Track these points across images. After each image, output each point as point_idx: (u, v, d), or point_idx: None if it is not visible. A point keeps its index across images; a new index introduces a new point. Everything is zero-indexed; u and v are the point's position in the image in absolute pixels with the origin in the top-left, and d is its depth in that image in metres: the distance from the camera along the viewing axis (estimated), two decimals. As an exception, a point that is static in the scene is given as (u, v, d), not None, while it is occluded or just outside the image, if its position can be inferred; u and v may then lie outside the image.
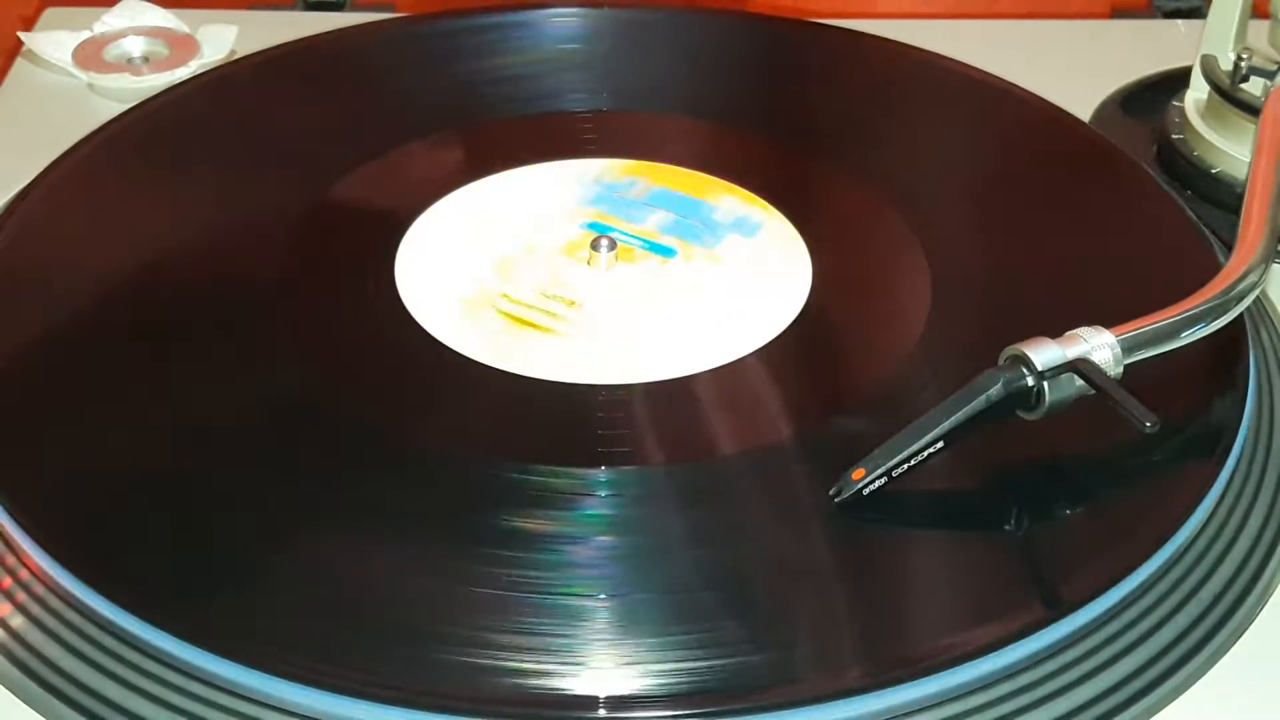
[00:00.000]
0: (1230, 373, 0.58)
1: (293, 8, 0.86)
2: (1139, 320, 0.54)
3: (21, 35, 0.80)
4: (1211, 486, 0.54)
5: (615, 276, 0.63)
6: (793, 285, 0.63)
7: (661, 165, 0.69)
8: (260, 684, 0.47)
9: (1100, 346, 0.53)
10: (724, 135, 0.72)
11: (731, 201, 0.67)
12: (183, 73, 0.77)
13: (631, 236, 0.65)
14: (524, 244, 0.65)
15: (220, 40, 0.80)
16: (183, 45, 0.79)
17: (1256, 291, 0.57)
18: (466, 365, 0.58)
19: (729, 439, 0.56)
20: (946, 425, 0.52)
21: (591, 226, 0.66)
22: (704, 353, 0.59)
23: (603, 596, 0.50)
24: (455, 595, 0.50)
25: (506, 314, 0.61)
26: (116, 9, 0.81)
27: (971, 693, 0.48)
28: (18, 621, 0.51)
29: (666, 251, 0.64)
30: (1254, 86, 0.71)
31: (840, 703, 0.47)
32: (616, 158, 0.70)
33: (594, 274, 0.63)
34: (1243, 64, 0.71)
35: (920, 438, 0.52)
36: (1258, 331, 0.62)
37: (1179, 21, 0.86)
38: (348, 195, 0.67)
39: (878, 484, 0.52)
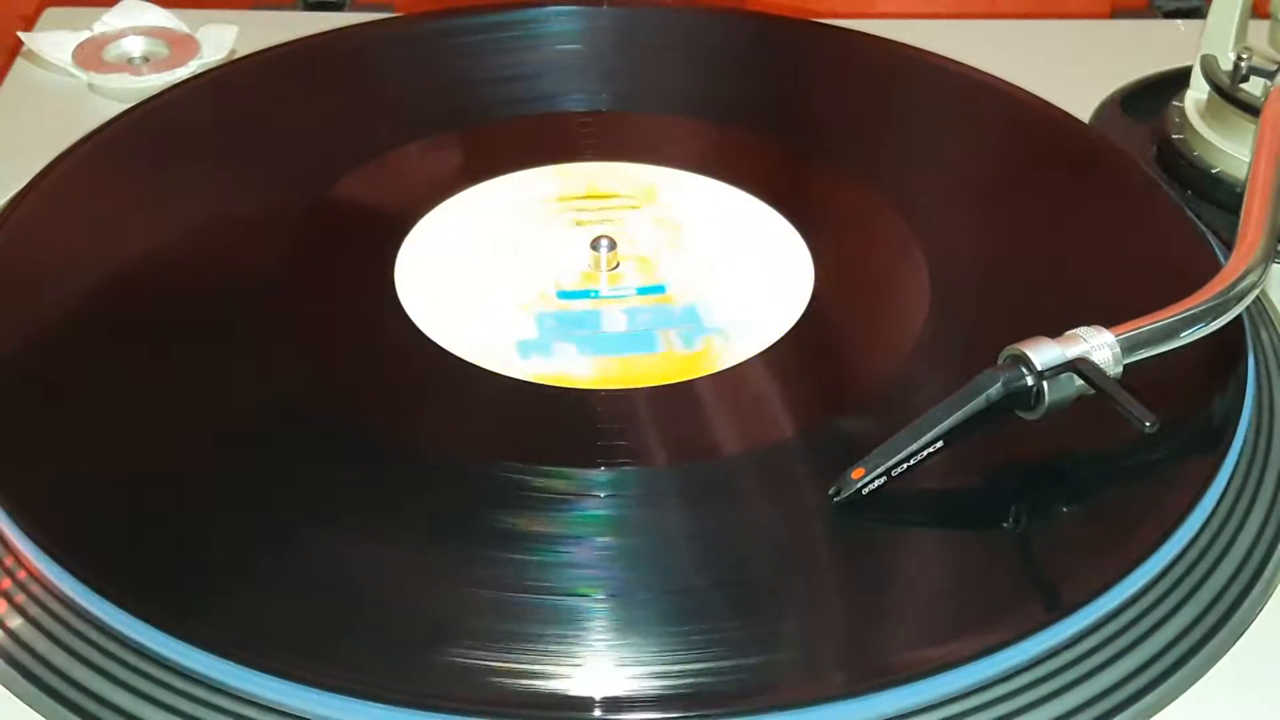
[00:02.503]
0: (1230, 373, 0.58)
1: (293, 8, 0.86)
2: (1138, 320, 0.54)
3: (21, 35, 0.80)
4: (1211, 486, 0.54)
5: (616, 275, 0.64)
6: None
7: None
8: (259, 685, 0.47)
9: (1100, 346, 0.53)
10: (724, 135, 0.72)
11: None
12: (183, 73, 0.77)
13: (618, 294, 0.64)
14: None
15: (220, 40, 0.80)
16: (183, 45, 0.79)
17: (1256, 291, 0.57)
18: (466, 366, 0.58)
19: (728, 439, 0.56)
20: (946, 425, 0.52)
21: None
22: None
23: (602, 596, 0.50)
24: (455, 595, 0.50)
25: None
26: (116, 9, 0.81)
27: (972, 693, 0.48)
28: (16, 623, 0.51)
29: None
30: (1254, 86, 0.71)
31: (839, 704, 0.47)
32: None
33: (594, 274, 0.63)
34: (1243, 64, 0.71)
35: (920, 437, 0.52)
36: (1257, 331, 0.62)
37: (1179, 21, 0.86)
38: (347, 195, 0.67)
39: (877, 483, 0.52)
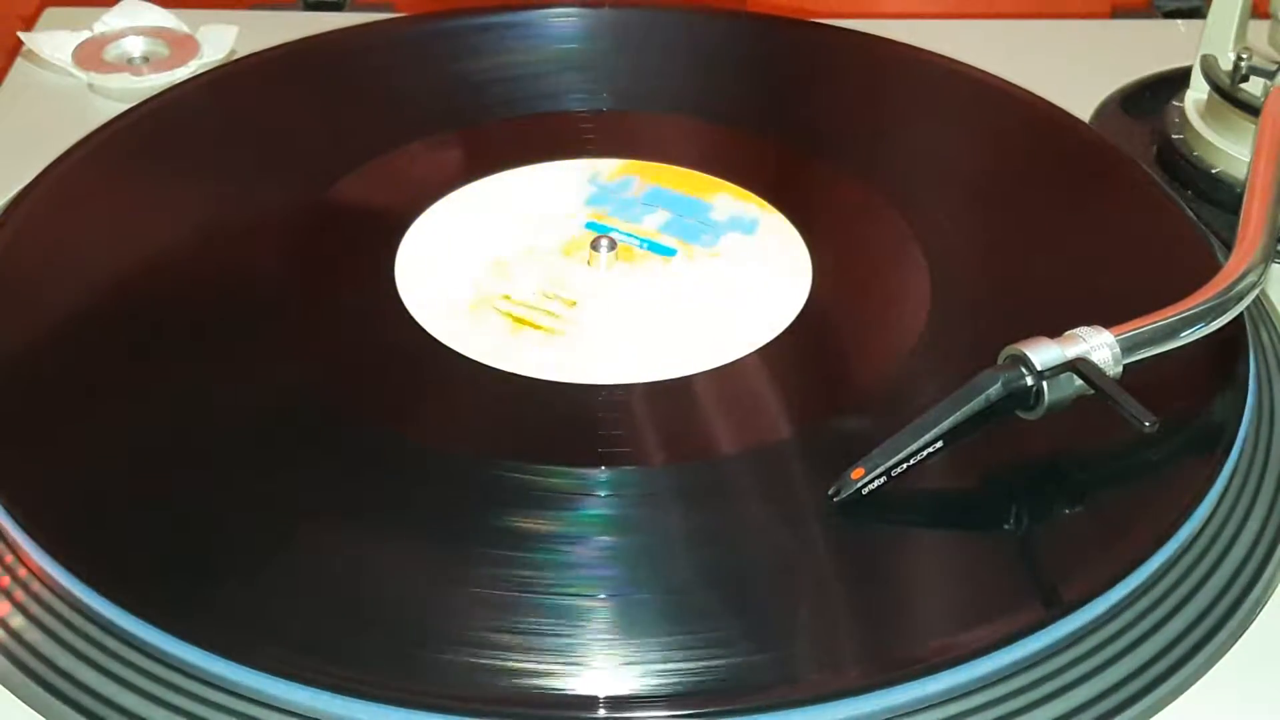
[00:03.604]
0: (1230, 373, 0.58)
1: (293, 8, 0.86)
2: (1138, 320, 0.54)
3: (21, 35, 0.80)
4: (1211, 486, 0.54)
5: (615, 276, 0.64)
6: (792, 285, 0.63)
7: (656, 164, 0.69)
8: (260, 684, 0.47)
9: (1099, 346, 0.53)
10: (724, 135, 0.72)
11: (727, 199, 0.67)
12: (183, 73, 0.77)
13: (631, 236, 0.65)
14: (524, 245, 0.65)
15: (220, 40, 0.80)
16: (183, 45, 0.79)
17: (1256, 291, 0.57)
18: (466, 365, 0.58)
19: (728, 439, 0.56)
20: (946, 425, 0.52)
21: (590, 226, 0.66)
22: (704, 353, 0.59)
23: (603, 596, 0.50)
24: (455, 595, 0.50)
25: (507, 314, 0.61)
26: (116, 9, 0.81)
27: (971, 692, 0.48)
28: (17, 621, 0.51)
29: (667, 251, 0.64)
30: (1254, 86, 0.71)
31: (840, 703, 0.47)
32: (616, 158, 0.70)
33: (594, 274, 0.63)
34: (1243, 64, 0.71)
35: (919, 437, 0.52)
36: (1257, 331, 0.62)
37: (1179, 21, 0.86)
38: (348, 195, 0.67)
39: (877, 483, 0.52)
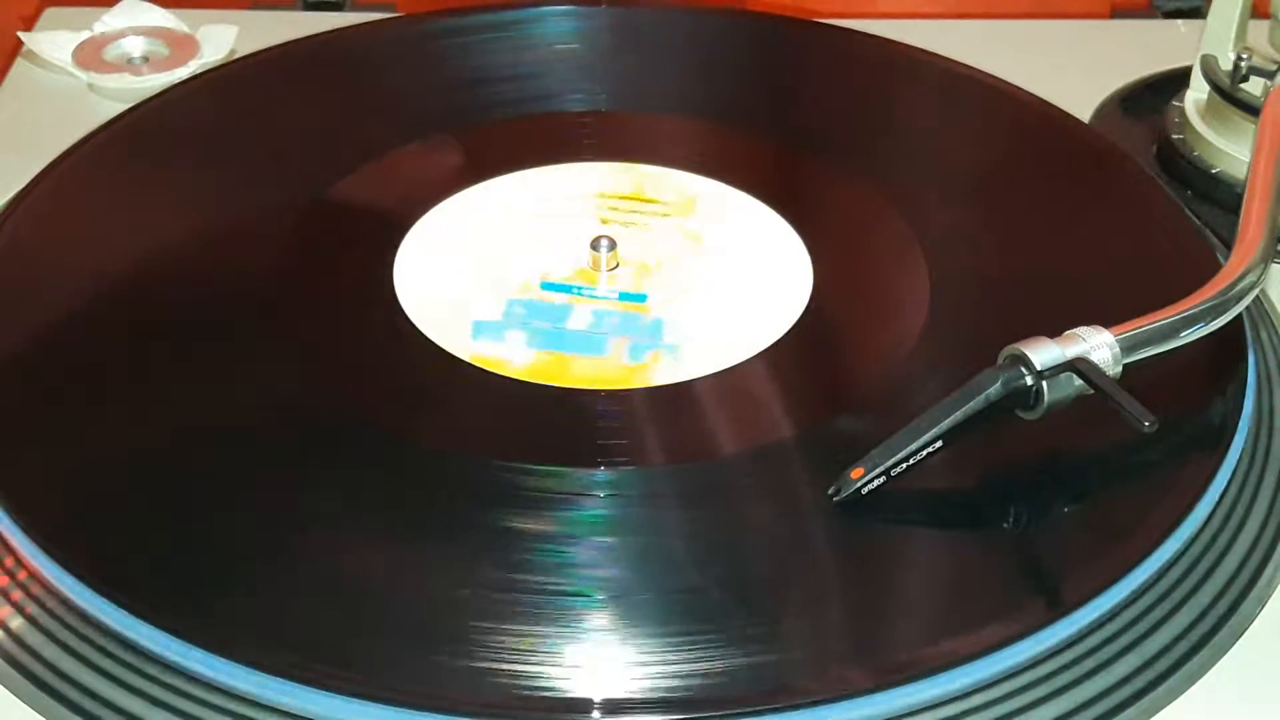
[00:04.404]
0: (1230, 372, 0.58)
1: (293, 8, 0.86)
2: (1138, 320, 0.54)
3: (21, 35, 0.80)
4: (1211, 486, 0.54)
5: (615, 276, 0.64)
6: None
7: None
8: (259, 685, 0.47)
9: (1099, 346, 0.53)
10: (724, 135, 0.72)
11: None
12: (183, 73, 0.77)
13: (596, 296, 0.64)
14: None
15: (220, 40, 0.80)
16: (183, 45, 0.79)
17: (1256, 291, 0.57)
18: (466, 366, 0.58)
19: (728, 439, 0.56)
20: (945, 424, 0.52)
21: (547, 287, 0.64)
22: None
23: (603, 596, 0.50)
24: (455, 596, 0.50)
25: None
26: (116, 9, 0.81)
27: (972, 693, 0.48)
28: (17, 623, 0.51)
29: (638, 298, 0.64)
30: (1254, 86, 0.71)
31: (840, 704, 0.47)
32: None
33: (596, 274, 0.64)
34: (1243, 64, 0.71)
35: (919, 437, 0.52)
36: (1257, 331, 0.62)
37: (1179, 21, 0.86)
38: (347, 196, 0.67)
39: (876, 483, 0.52)
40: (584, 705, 0.47)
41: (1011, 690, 0.49)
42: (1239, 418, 0.57)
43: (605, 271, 0.64)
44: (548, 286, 0.63)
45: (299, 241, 0.64)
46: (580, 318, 0.62)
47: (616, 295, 0.63)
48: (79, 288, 0.61)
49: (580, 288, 0.63)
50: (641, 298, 0.63)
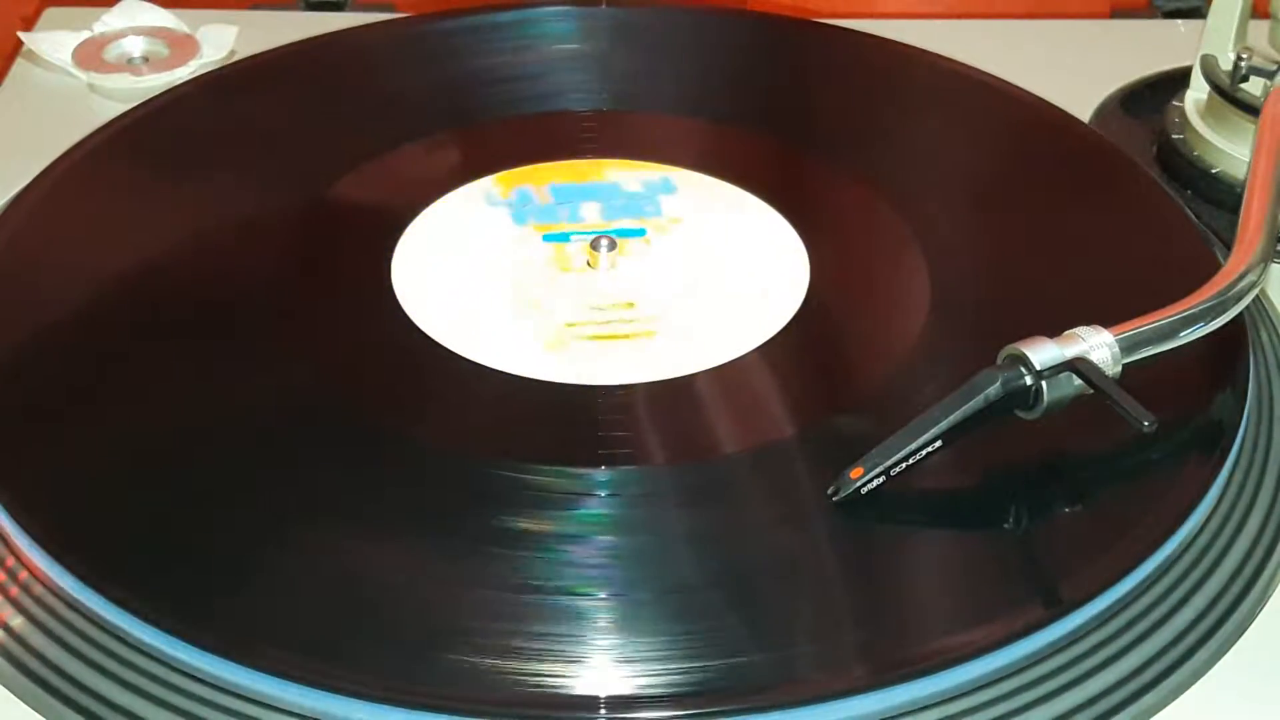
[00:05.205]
0: (1230, 372, 0.58)
1: (293, 8, 0.86)
2: (1138, 320, 0.54)
3: (21, 35, 0.80)
4: (1211, 486, 0.54)
5: (615, 276, 0.64)
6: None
7: (531, 167, 0.69)
8: (260, 684, 0.47)
9: (1099, 346, 0.53)
10: (724, 135, 0.72)
11: (622, 173, 0.67)
12: (183, 73, 0.77)
13: (594, 232, 0.65)
14: (517, 265, 0.65)
15: (220, 40, 0.80)
16: (183, 45, 0.79)
17: (1256, 291, 0.57)
18: (466, 365, 0.58)
19: (728, 438, 0.56)
20: (945, 424, 0.52)
21: (549, 239, 0.65)
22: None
23: (603, 596, 0.50)
24: (455, 595, 0.50)
25: (592, 337, 0.60)
26: (116, 9, 0.81)
27: (971, 691, 0.48)
28: (18, 622, 0.51)
29: (636, 233, 0.64)
30: (1254, 86, 0.71)
31: (840, 702, 0.47)
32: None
33: (596, 274, 0.64)
34: (1243, 64, 0.71)
35: (918, 436, 0.52)
36: (1257, 331, 0.62)
37: (1179, 21, 0.86)
38: (347, 195, 0.67)
39: (876, 483, 0.52)
40: (585, 704, 0.47)
41: (1011, 689, 0.49)
42: (1239, 418, 0.57)
43: (606, 271, 0.64)
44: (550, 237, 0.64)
45: (298, 241, 0.64)
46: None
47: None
48: (79, 288, 0.61)
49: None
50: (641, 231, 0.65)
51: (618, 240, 0.64)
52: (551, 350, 0.59)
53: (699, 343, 0.60)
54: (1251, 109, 0.69)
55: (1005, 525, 0.53)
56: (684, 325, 0.61)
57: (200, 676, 0.48)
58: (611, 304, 0.62)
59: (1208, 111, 0.73)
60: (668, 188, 0.66)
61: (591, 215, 0.66)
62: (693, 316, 0.62)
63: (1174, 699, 0.50)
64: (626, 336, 0.60)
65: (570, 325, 0.61)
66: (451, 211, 0.67)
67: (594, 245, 0.64)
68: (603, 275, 0.63)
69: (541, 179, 0.68)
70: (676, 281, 0.63)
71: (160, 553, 0.51)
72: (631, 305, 0.62)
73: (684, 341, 0.60)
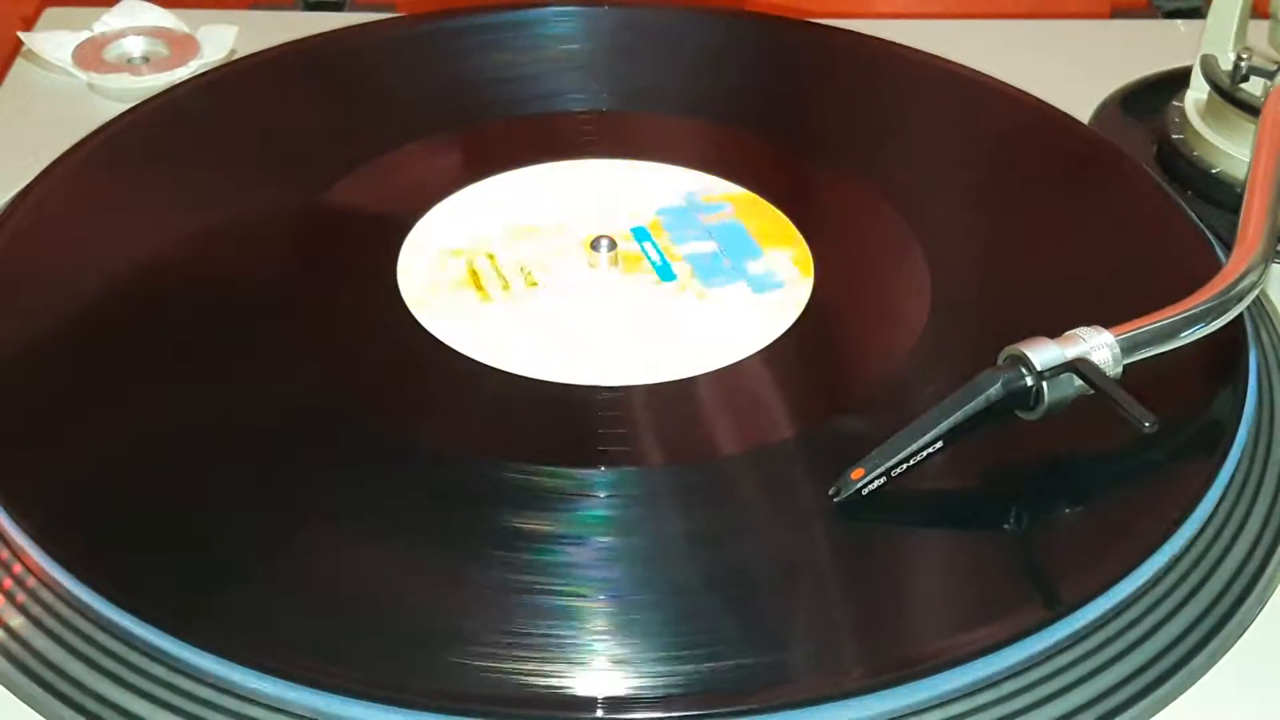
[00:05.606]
0: (1230, 373, 0.58)
1: (293, 8, 0.86)
2: (1138, 320, 0.54)
3: (21, 35, 0.80)
4: (1211, 487, 0.54)
5: (613, 278, 0.64)
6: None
7: (766, 204, 0.67)
8: (260, 684, 0.47)
9: (1099, 346, 0.53)
10: (724, 135, 0.72)
11: (780, 256, 0.64)
12: (183, 73, 0.77)
13: (655, 250, 0.64)
14: (556, 223, 0.65)
15: (220, 40, 0.80)
16: (183, 45, 0.79)
17: (1256, 291, 0.57)
18: (467, 365, 0.58)
19: (728, 439, 0.56)
20: (945, 425, 0.52)
21: (636, 232, 0.65)
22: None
23: (603, 597, 0.50)
24: (455, 595, 0.50)
25: (470, 268, 0.61)
26: (116, 9, 0.81)
27: (972, 693, 0.48)
28: (17, 621, 0.51)
29: (668, 276, 0.64)
30: (1254, 86, 0.71)
31: (840, 704, 0.47)
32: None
33: (593, 274, 0.64)
34: (1243, 64, 0.71)
35: (919, 437, 0.52)
36: (1258, 331, 0.62)
37: (1179, 21, 0.86)
38: (348, 196, 0.67)
39: (877, 484, 0.52)
40: (585, 704, 0.47)
41: (1012, 690, 0.49)
42: (1239, 418, 0.57)
43: (606, 270, 0.64)
44: (666, 276, 0.63)
45: (298, 241, 0.64)
46: (699, 247, 0.64)
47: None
48: (79, 287, 0.61)
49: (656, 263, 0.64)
50: (673, 277, 0.64)
51: (619, 246, 0.64)
52: (450, 254, 0.60)
53: (700, 342, 0.60)
54: (1251, 109, 0.69)
55: (1006, 526, 0.53)
56: (685, 324, 0.61)
57: (200, 676, 0.48)
58: (529, 272, 0.63)
59: (1208, 111, 0.73)
60: (761, 284, 0.63)
61: (688, 249, 0.65)
62: (693, 316, 0.62)
63: (1174, 699, 0.50)
64: (479, 288, 0.61)
65: (489, 255, 0.62)
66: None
67: (594, 245, 0.64)
68: (603, 275, 0.63)
69: (745, 213, 0.67)
70: (651, 300, 0.63)
71: (160, 553, 0.51)
72: (534, 285, 0.62)
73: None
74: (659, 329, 0.61)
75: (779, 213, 0.66)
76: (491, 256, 0.62)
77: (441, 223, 0.66)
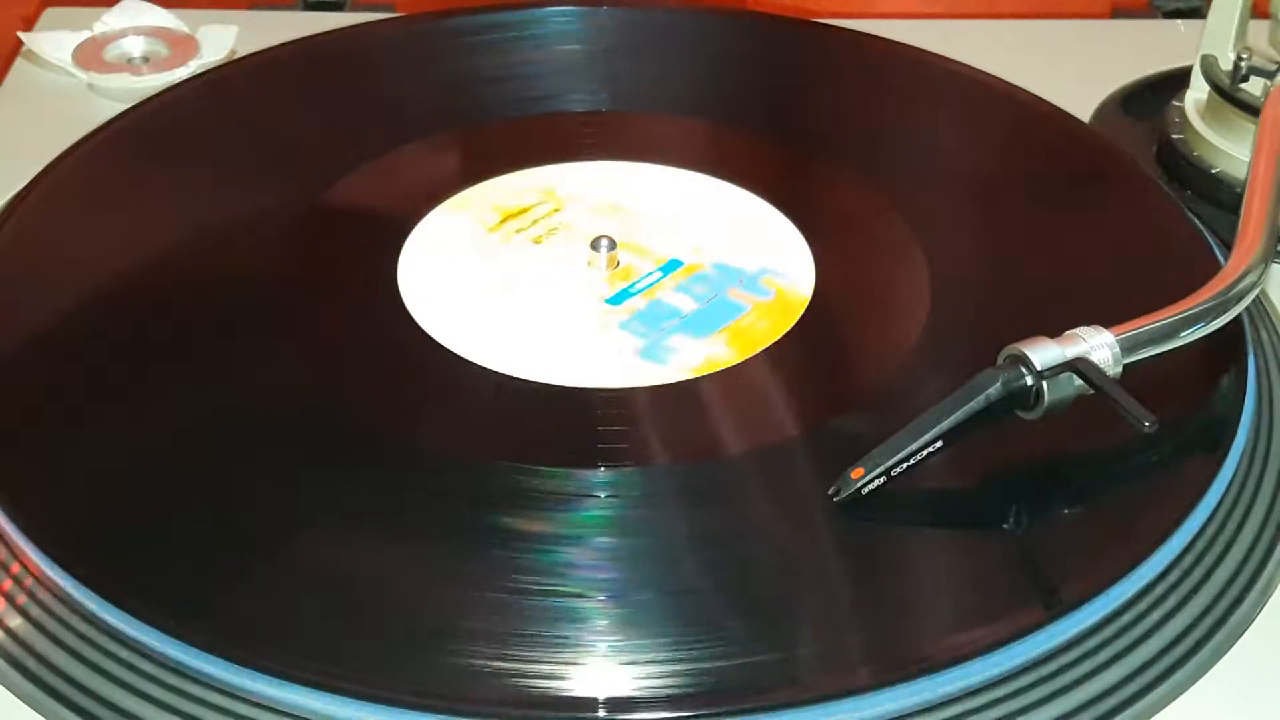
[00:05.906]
0: (1230, 373, 0.58)
1: (293, 8, 0.86)
2: (1138, 320, 0.54)
3: (21, 35, 0.80)
4: (1211, 486, 0.54)
5: (625, 269, 0.64)
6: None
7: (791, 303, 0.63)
8: (260, 685, 0.47)
9: (1099, 346, 0.53)
10: (724, 135, 0.72)
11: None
12: (183, 73, 0.77)
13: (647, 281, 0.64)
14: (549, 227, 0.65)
15: (220, 40, 0.80)
16: (183, 45, 0.79)
17: (1256, 291, 0.57)
18: (467, 366, 0.58)
19: (728, 439, 0.56)
20: (945, 424, 0.52)
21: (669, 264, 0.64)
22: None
23: (603, 597, 0.50)
24: (455, 596, 0.50)
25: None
26: (116, 9, 0.81)
27: (972, 693, 0.48)
28: (17, 623, 0.51)
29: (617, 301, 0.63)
30: (1254, 86, 0.71)
31: (840, 703, 0.47)
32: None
33: (592, 273, 0.64)
34: (1243, 64, 0.71)
35: (919, 437, 0.52)
36: (1257, 331, 0.62)
37: (1179, 21, 0.86)
38: (348, 196, 0.67)
39: (877, 483, 0.52)
40: (585, 704, 0.47)
41: (1012, 690, 0.49)
42: (1239, 418, 0.57)
43: (608, 270, 0.64)
44: (614, 301, 0.62)
45: (299, 241, 0.64)
46: (680, 301, 0.62)
47: (658, 269, 0.64)
48: (79, 287, 0.61)
49: (630, 289, 0.63)
50: (677, 263, 0.64)
51: (618, 244, 0.64)
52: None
53: (698, 342, 0.60)
54: (1251, 109, 0.69)
55: (1006, 526, 0.53)
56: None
57: (200, 677, 0.48)
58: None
59: (1208, 111, 0.73)
60: (697, 328, 0.61)
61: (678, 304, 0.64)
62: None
63: (1174, 699, 0.50)
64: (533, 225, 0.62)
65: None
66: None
67: (594, 245, 0.64)
68: (604, 275, 0.63)
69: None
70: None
71: (160, 553, 0.51)
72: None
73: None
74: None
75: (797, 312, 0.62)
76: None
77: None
